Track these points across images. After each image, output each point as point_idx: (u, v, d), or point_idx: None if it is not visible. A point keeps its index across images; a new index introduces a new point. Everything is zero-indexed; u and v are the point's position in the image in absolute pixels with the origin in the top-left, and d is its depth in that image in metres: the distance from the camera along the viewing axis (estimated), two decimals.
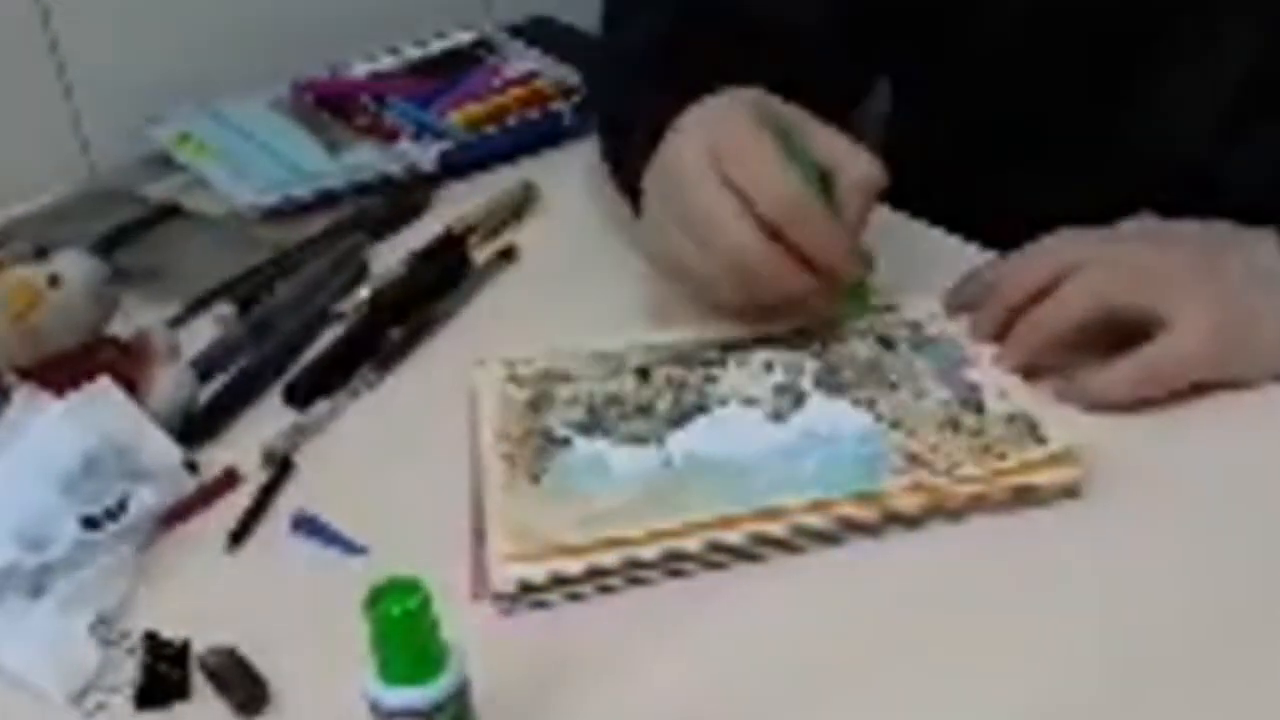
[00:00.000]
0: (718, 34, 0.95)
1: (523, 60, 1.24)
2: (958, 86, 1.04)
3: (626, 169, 0.95)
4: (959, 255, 0.95)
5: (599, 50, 1.10)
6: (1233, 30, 0.93)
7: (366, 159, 1.14)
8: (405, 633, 0.62)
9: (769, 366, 0.87)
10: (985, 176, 0.98)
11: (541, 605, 0.75)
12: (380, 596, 0.62)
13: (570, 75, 1.20)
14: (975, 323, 0.88)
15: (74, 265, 0.88)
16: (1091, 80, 0.97)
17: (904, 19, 1.02)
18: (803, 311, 0.89)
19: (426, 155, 1.13)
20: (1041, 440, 0.79)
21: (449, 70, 1.24)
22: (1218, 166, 0.93)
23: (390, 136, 1.16)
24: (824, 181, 0.86)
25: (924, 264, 0.95)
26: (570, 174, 1.12)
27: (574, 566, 0.75)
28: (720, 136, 0.85)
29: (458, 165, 1.14)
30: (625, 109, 0.95)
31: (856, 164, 0.86)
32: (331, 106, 1.20)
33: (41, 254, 1.01)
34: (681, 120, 0.87)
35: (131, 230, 1.10)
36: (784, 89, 0.89)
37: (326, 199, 1.11)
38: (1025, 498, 0.78)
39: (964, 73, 1.02)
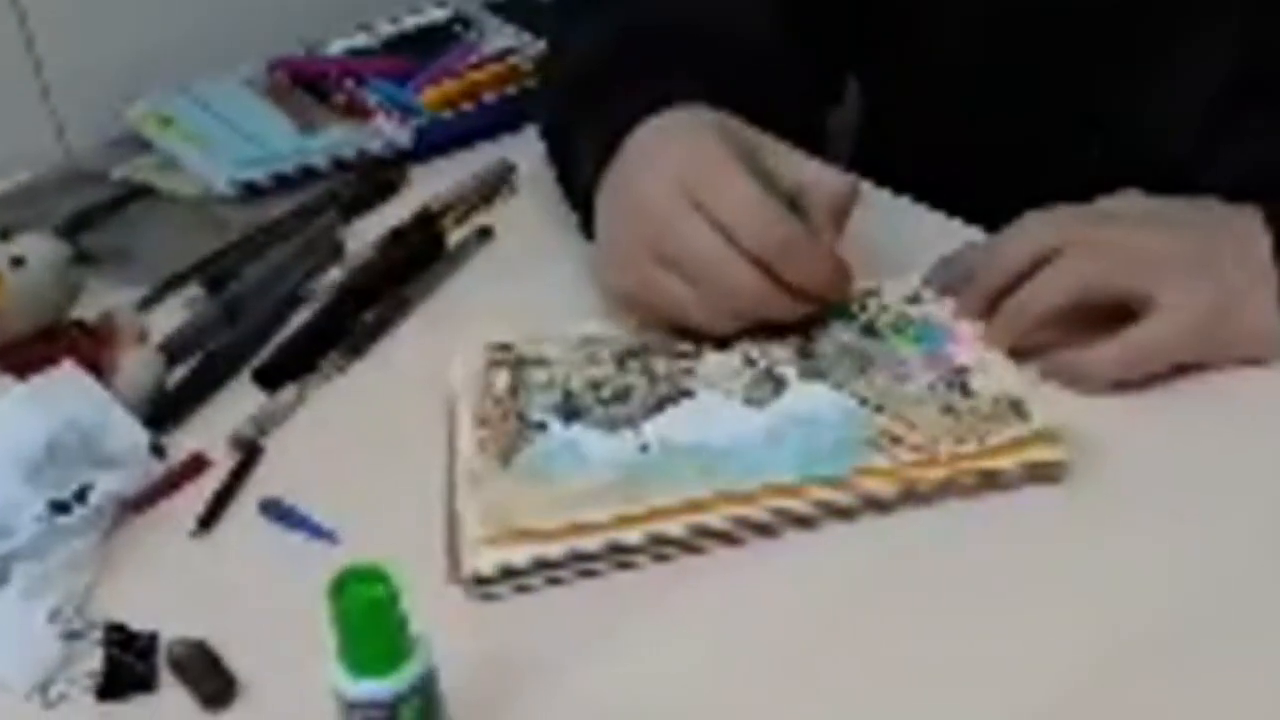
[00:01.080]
0: (667, 45, 0.93)
1: (500, 37, 1.22)
2: (927, 94, 1.02)
3: (575, 184, 0.93)
4: (941, 232, 0.94)
5: (543, 60, 1.08)
6: (1215, 26, 0.91)
7: (340, 138, 1.12)
8: (369, 623, 0.61)
9: (748, 354, 0.85)
10: (958, 183, 0.96)
11: (515, 590, 0.74)
12: (343, 585, 0.60)
13: None
14: (959, 305, 0.86)
15: (37, 247, 0.86)
16: (1067, 81, 0.95)
17: (867, 27, 1.00)
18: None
19: (401, 134, 1.11)
20: (1027, 420, 0.78)
21: (425, 47, 1.21)
22: (1200, 165, 0.91)
23: (366, 115, 1.14)
24: (792, 203, 0.84)
25: (906, 242, 0.94)
26: None
27: (548, 550, 0.74)
28: (688, 168, 0.82)
29: (433, 144, 1.12)
30: (572, 120, 0.93)
31: (827, 181, 0.84)
32: (307, 85, 1.19)
33: (5, 235, 0.99)
34: (636, 137, 0.85)
35: (100, 211, 1.08)
36: (740, 102, 0.86)
37: (299, 178, 1.09)
38: (1009, 479, 0.76)
39: (933, 78, 1.01)
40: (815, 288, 0.82)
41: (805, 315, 0.85)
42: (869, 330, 0.86)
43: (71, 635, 0.73)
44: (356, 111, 1.14)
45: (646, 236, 0.83)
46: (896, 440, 0.78)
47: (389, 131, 1.11)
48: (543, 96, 1.06)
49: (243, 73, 1.20)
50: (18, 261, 0.85)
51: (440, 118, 1.13)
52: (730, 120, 0.85)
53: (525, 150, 1.10)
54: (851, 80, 1.11)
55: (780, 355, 0.85)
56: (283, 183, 1.08)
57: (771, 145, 0.85)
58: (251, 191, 1.08)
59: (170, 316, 0.97)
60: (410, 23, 1.25)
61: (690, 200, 0.81)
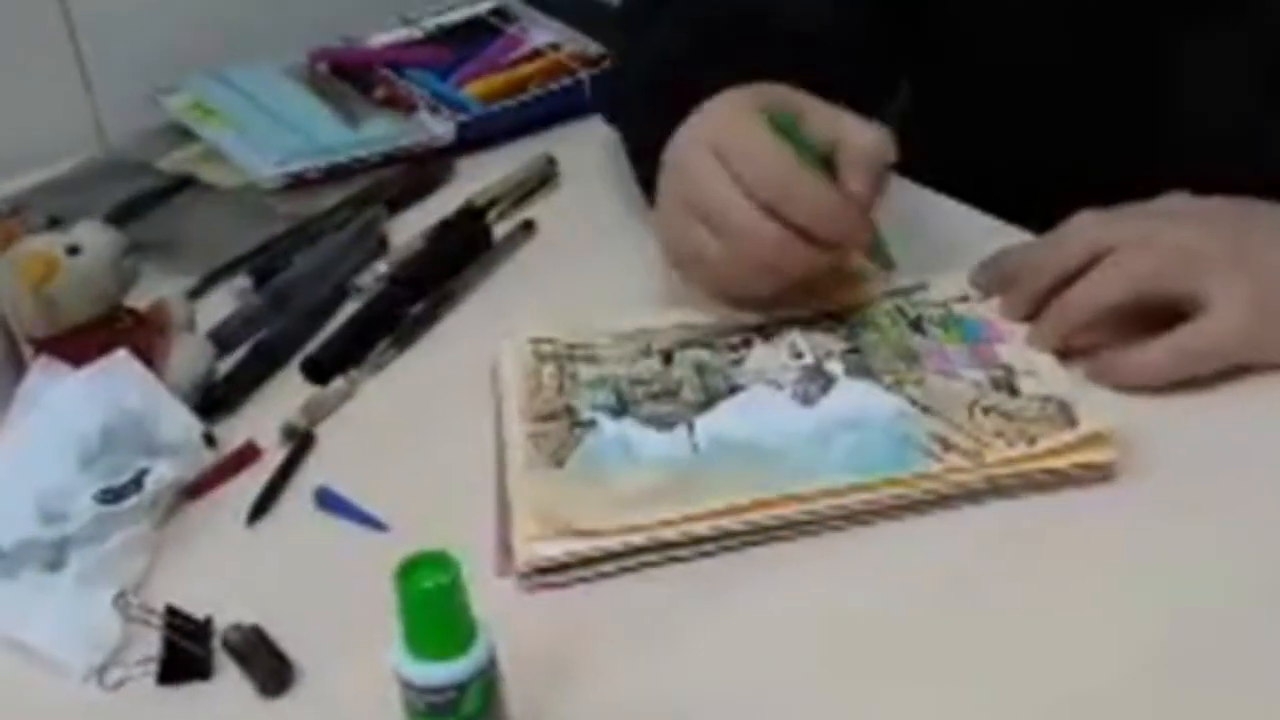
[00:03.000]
0: (738, 44, 0.95)
1: (543, 30, 1.22)
2: (971, 93, 1.03)
3: (643, 160, 0.94)
4: (989, 232, 0.94)
5: (618, 67, 1.09)
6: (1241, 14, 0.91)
7: (384, 131, 1.12)
8: (435, 607, 0.61)
9: (796, 349, 0.85)
10: (1011, 170, 0.96)
11: (567, 584, 0.75)
12: (410, 570, 0.61)
13: (591, 45, 1.19)
14: (1005, 305, 0.87)
15: (93, 235, 0.87)
16: (1120, 53, 0.95)
17: (919, 16, 1.01)
18: (825, 293, 0.88)
19: (444, 128, 1.12)
20: (1074, 423, 0.78)
21: (467, 40, 1.22)
22: (1259, 127, 0.91)
23: (408, 108, 1.14)
24: (830, 161, 0.85)
25: (953, 242, 0.94)
26: (592, 147, 1.11)
27: (601, 545, 0.74)
28: (717, 123, 0.86)
29: (476, 138, 1.12)
30: (647, 121, 0.94)
31: (860, 134, 0.85)
32: (348, 76, 1.19)
33: (54, 224, 1.00)
34: (696, 111, 0.87)
35: (146, 201, 1.09)
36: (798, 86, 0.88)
37: (343, 171, 1.09)
38: (1058, 482, 0.77)
39: (977, 77, 1.01)
40: (824, 231, 0.83)
41: (850, 304, 0.86)
42: (916, 326, 0.86)
43: (132, 620, 0.73)
44: (399, 104, 1.15)
45: (680, 191, 0.87)
46: (945, 443, 0.78)
47: (433, 125, 1.12)
48: (618, 90, 1.07)
49: (283, 63, 1.21)
50: (74, 250, 0.85)
51: (488, 111, 1.13)
52: (771, 86, 0.87)
53: (569, 145, 1.10)
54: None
55: (827, 348, 0.85)
56: (329, 175, 1.09)
57: (811, 104, 0.87)
58: (298, 183, 1.08)
59: (217, 307, 0.98)
60: (451, 16, 1.25)
61: (715, 155, 0.84)
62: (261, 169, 1.08)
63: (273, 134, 1.12)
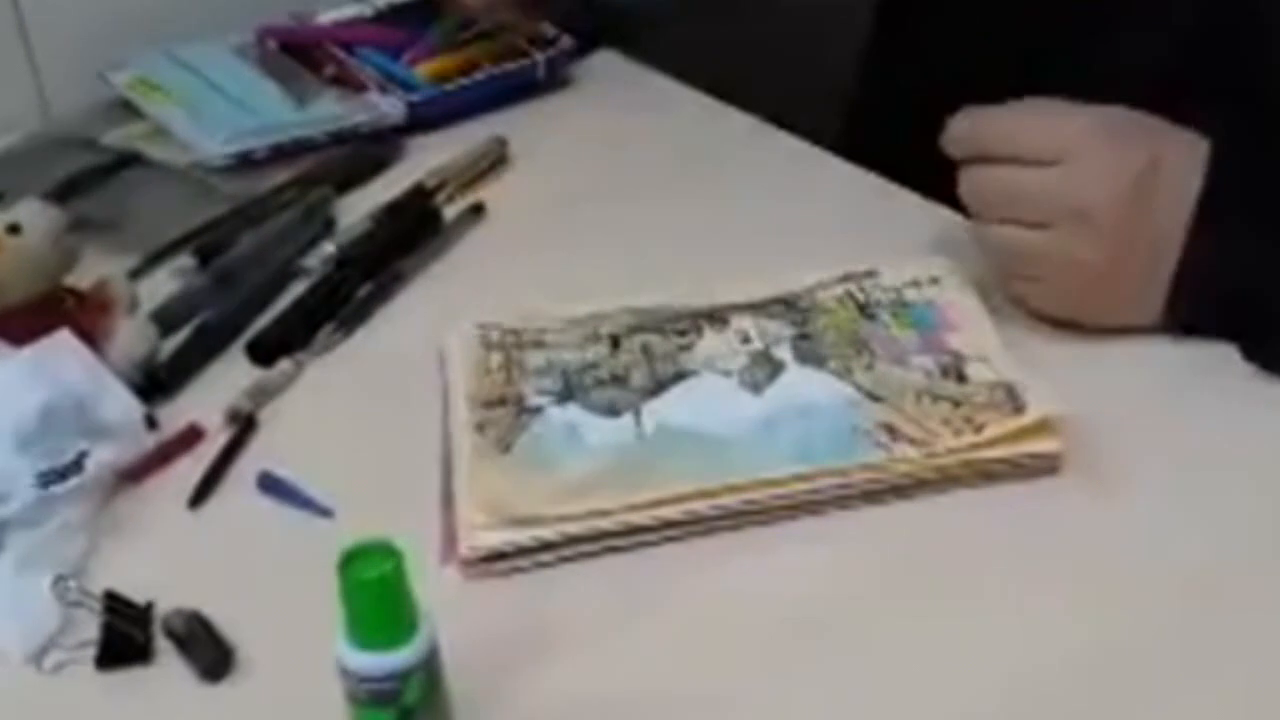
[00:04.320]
0: None
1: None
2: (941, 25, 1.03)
3: None
4: (937, 220, 0.94)
5: None
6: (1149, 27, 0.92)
7: (333, 110, 1.11)
8: (378, 597, 0.61)
9: (745, 335, 0.85)
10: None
11: (510, 572, 0.74)
12: (353, 559, 0.61)
13: (543, 27, 1.18)
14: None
15: (35, 214, 0.85)
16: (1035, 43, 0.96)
17: None
18: None
19: (394, 108, 1.11)
20: (1022, 409, 0.78)
21: (417, 19, 1.21)
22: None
23: (358, 87, 1.13)
24: None
25: (905, 230, 0.94)
26: (543, 129, 1.11)
27: (545, 534, 0.74)
28: None
29: (426, 118, 1.11)
30: None
31: None
32: (297, 54, 1.18)
33: None
34: None
35: (89, 178, 1.07)
36: None
37: (291, 150, 1.08)
38: (1004, 470, 0.77)
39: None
40: None
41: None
42: (866, 312, 0.86)
43: (71, 604, 0.73)
44: (349, 82, 1.14)
45: None
46: (893, 432, 0.78)
47: (383, 105, 1.11)
48: None
49: (232, 40, 1.19)
50: (13, 229, 0.84)
51: (439, 91, 1.13)
52: None
53: (520, 126, 1.09)
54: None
55: (777, 334, 0.85)
56: (276, 154, 1.08)
57: None
58: (245, 162, 1.07)
59: (160, 286, 0.96)
60: None
61: None
62: (208, 147, 1.07)
63: (220, 112, 1.11)
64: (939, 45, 1.04)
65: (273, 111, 1.11)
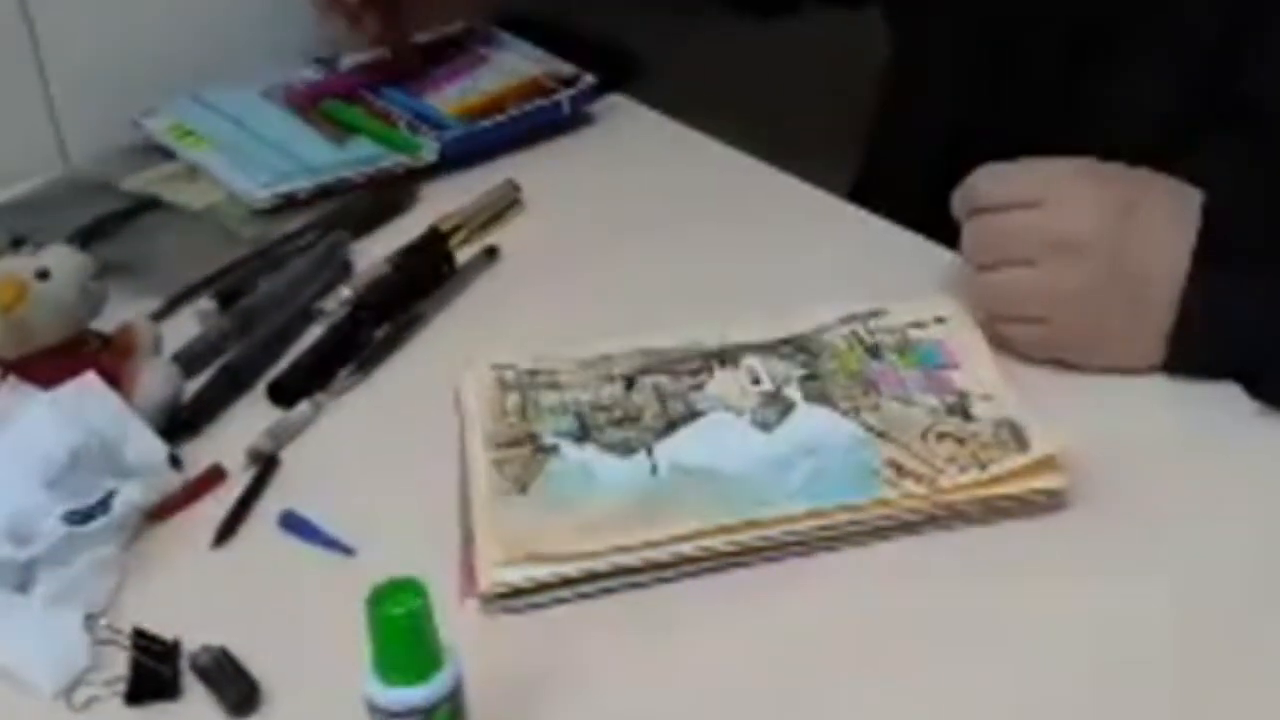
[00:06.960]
0: None
1: (515, 50, 1.23)
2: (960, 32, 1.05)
3: None
4: (942, 262, 0.96)
5: None
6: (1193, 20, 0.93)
7: (371, 150, 1.13)
8: (406, 633, 0.63)
9: (755, 374, 0.87)
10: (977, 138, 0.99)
11: (529, 608, 0.76)
12: (381, 597, 0.62)
13: (565, 67, 1.19)
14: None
15: (63, 259, 0.87)
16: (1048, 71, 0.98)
17: None
18: None
19: (427, 146, 1.12)
20: (1026, 446, 0.80)
21: (437, 59, 1.23)
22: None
23: (390, 126, 1.15)
24: None
25: (909, 271, 0.96)
26: (558, 171, 1.12)
27: (565, 571, 0.76)
28: None
29: (458, 156, 1.13)
30: None
31: None
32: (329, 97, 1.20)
33: (17, 244, 1.00)
34: None
35: (109, 222, 1.09)
36: None
37: (336, 189, 1.10)
38: (1010, 506, 0.78)
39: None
40: None
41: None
42: (873, 352, 0.88)
43: (100, 642, 0.74)
44: (383, 122, 1.16)
45: None
46: (900, 469, 0.79)
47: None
48: None
49: (257, 85, 1.21)
50: (43, 274, 0.86)
51: (469, 129, 1.14)
52: None
53: (533, 169, 1.11)
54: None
55: (786, 375, 0.87)
56: (320, 194, 1.10)
57: None
58: (291, 203, 1.08)
59: (181, 328, 0.98)
60: (421, 35, 1.25)
61: None
62: (251, 190, 1.09)
63: (261, 155, 1.12)
64: (949, 93, 1.06)
65: (312, 153, 1.13)
